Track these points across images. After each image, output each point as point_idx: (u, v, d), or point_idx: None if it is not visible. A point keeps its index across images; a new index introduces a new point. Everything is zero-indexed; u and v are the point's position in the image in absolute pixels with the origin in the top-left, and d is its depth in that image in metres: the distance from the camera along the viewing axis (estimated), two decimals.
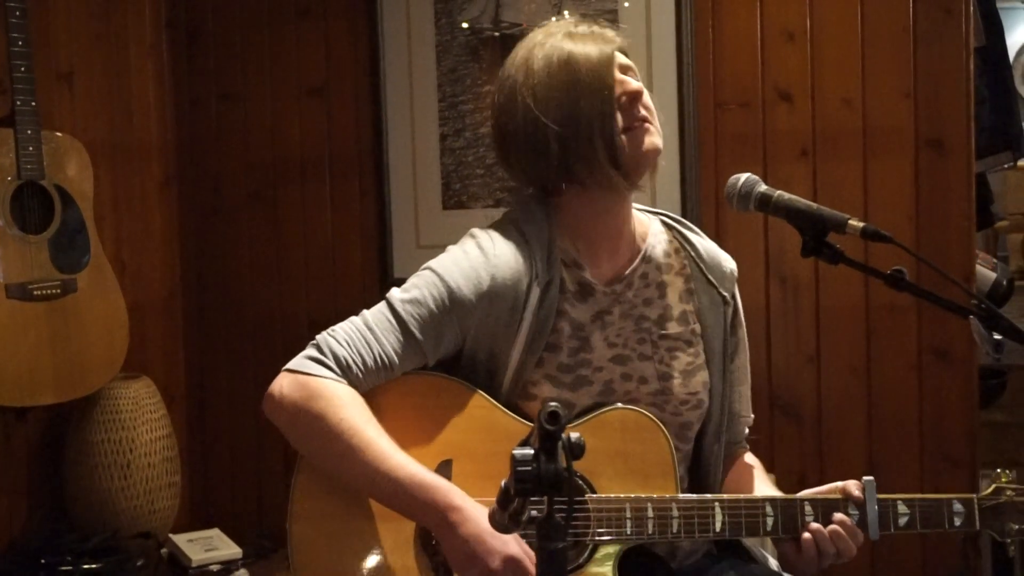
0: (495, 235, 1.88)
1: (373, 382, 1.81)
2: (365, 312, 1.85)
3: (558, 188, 1.88)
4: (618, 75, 1.84)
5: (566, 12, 3.27)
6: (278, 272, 3.62)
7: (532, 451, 1.30)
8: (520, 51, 1.89)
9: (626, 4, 3.22)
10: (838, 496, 1.78)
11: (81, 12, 3.36)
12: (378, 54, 3.44)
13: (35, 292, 2.91)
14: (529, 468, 1.29)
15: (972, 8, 3.03)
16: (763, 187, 1.78)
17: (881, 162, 3.06)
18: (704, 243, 2.00)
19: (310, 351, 1.82)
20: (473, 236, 1.89)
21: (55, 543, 3.06)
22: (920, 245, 3.01)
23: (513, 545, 1.67)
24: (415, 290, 1.83)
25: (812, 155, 3.11)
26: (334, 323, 1.85)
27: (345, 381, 1.78)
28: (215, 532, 3.43)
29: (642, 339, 1.89)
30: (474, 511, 1.68)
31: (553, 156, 1.82)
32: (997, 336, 1.62)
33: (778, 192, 1.76)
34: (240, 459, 3.69)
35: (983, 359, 3.16)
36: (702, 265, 1.96)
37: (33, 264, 2.92)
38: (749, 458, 2.05)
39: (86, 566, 2.97)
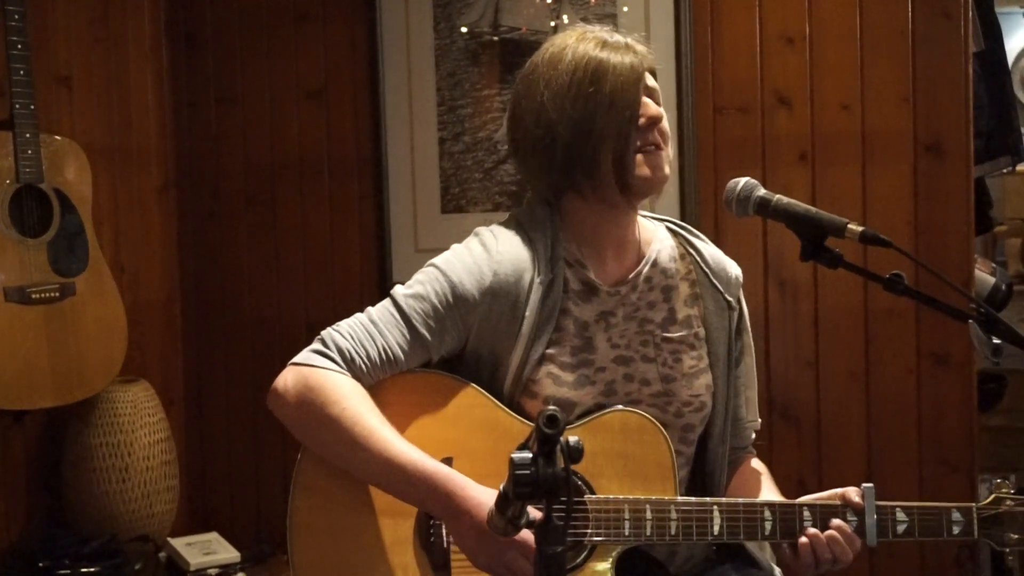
0: (499, 232, 1.89)
1: (377, 375, 1.82)
2: (369, 308, 1.87)
3: (560, 194, 1.89)
4: (642, 97, 1.83)
5: (564, 16, 3.27)
6: (277, 276, 3.62)
7: (530, 455, 1.30)
8: (550, 48, 1.87)
9: (625, 9, 3.22)
10: (837, 503, 1.78)
11: (80, 16, 3.36)
12: (377, 58, 3.45)
13: (34, 295, 2.91)
14: (528, 472, 1.29)
15: (971, 13, 3.03)
16: (762, 191, 1.78)
17: (880, 166, 3.06)
18: (709, 249, 2.00)
19: (314, 345, 1.84)
20: (477, 234, 1.91)
21: (53, 546, 3.06)
22: (919, 249, 3.01)
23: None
24: (418, 285, 1.85)
25: (811, 159, 3.11)
26: None
27: (348, 373, 1.80)
28: (213, 536, 3.43)
29: (645, 341, 1.90)
30: (479, 498, 1.68)
31: (557, 162, 1.83)
32: (996, 340, 1.62)
33: (777, 196, 1.77)
34: (238, 462, 3.69)
35: (982, 363, 3.16)
36: (707, 271, 1.97)
37: (32, 267, 2.92)
38: (755, 463, 2.05)
39: (84, 569, 2.96)
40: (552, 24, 3.29)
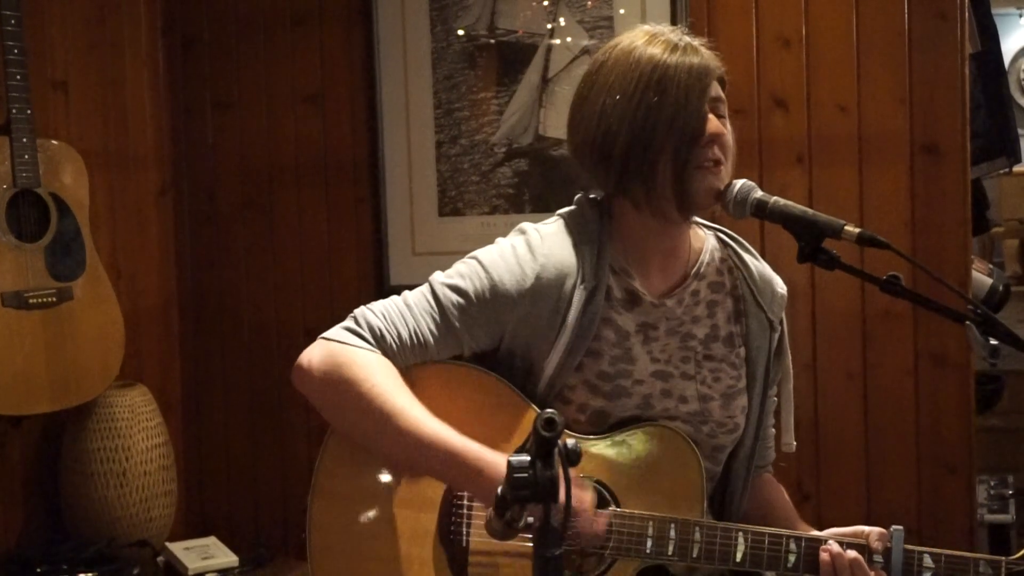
0: (546, 233, 1.85)
1: (407, 358, 1.79)
2: (406, 292, 1.84)
3: (613, 198, 1.85)
4: (707, 111, 1.78)
5: (561, 19, 3.27)
6: (274, 280, 3.62)
7: (528, 457, 1.30)
8: (618, 46, 1.81)
9: (621, 11, 3.22)
10: (862, 541, 1.71)
11: (76, 20, 3.36)
12: (373, 61, 3.44)
13: (31, 300, 2.91)
14: (525, 475, 1.29)
15: (967, 14, 3.03)
16: (759, 193, 1.77)
17: (877, 168, 3.06)
18: (758, 265, 1.96)
19: (346, 322, 1.81)
20: (523, 232, 1.86)
21: (51, 552, 3.06)
22: (916, 251, 3.01)
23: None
24: (458, 277, 1.82)
25: (808, 161, 3.10)
26: None
27: (379, 351, 1.77)
28: (211, 540, 3.42)
29: (686, 357, 1.86)
30: None
31: (613, 169, 1.78)
32: (993, 341, 1.61)
33: (774, 198, 1.76)
34: (236, 467, 3.68)
35: (979, 364, 3.16)
36: (753, 287, 1.93)
37: (29, 272, 2.92)
38: (772, 483, 2.02)
39: (82, 575, 2.96)
40: (549, 27, 3.29)
